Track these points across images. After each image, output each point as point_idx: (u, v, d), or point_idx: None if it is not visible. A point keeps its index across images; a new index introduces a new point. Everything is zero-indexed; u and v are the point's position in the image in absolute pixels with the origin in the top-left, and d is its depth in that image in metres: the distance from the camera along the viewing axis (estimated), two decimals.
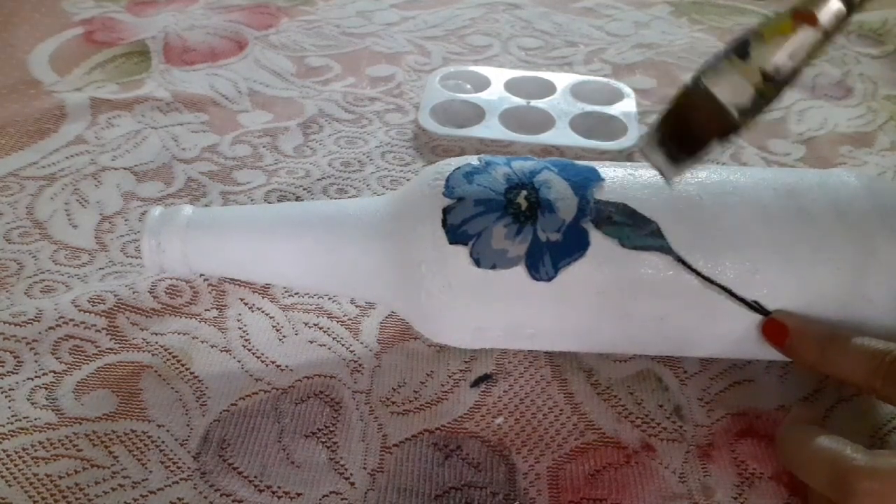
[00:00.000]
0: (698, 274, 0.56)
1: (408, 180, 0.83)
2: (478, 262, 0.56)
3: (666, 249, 0.56)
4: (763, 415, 0.62)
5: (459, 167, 0.60)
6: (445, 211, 0.57)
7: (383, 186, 0.84)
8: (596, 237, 0.56)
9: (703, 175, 0.60)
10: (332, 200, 0.76)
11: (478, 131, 0.91)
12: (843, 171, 0.62)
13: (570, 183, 0.58)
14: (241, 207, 0.68)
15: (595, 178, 0.59)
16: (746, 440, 0.60)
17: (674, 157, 0.52)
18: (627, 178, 0.59)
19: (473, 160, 0.61)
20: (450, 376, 0.64)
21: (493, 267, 0.56)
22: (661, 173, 0.53)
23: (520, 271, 0.56)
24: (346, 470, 0.58)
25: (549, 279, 0.56)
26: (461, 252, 0.56)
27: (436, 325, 0.62)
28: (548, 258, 0.56)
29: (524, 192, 0.57)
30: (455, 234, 0.56)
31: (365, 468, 0.58)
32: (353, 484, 0.57)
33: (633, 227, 0.56)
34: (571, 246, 0.56)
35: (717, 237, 0.56)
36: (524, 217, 0.56)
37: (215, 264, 0.63)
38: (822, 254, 0.56)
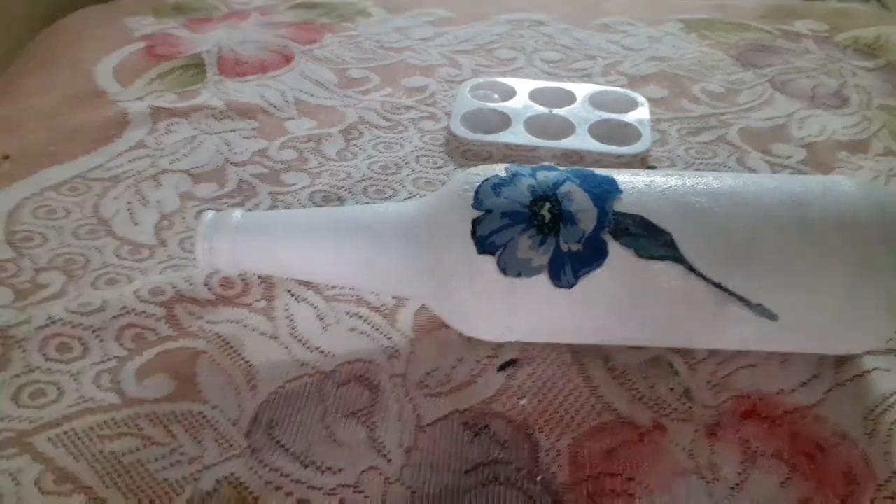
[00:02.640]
0: (708, 280, 0.56)
1: (440, 182, 0.83)
2: (504, 271, 0.56)
3: (678, 259, 0.56)
4: (766, 397, 0.61)
5: (488, 178, 0.59)
6: (475, 222, 0.57)
7: (418, 187, 0.84)
8: (614, 248, 0.56)
9: (715, 184, 0.59)
10: (369, 206, 0.75)
11: (504, 137, 0.91)
12: (844, 179, 0.61)
13: (590, 195, 0.58)
14: (286, 212, 0.68)
15: (614, 189, 0.58)
16: (750, 421, 0.60)
17: None
18: (644, 190, 0.59)
19: (500, 170, 0.61)
20: (478, 362, 0.64)
21: (519, 275, 0.56)
22: None
23: (543, 279, 0.56)
24: (383, 447, 0.58)
25: (570, 286, 0.56)
26: (489, 261, 0.56)
27: (466, 325, 0.62)
28: (569, 267, 0.56)
29: (548, 205, 0.57)
30: (484, 245, 0.56)
31: (401, 446, 0.58)
32: (389, 460, 0.57)
33: (649, 238, 0.56)
34: (591, 256, 0.56)
35: (727, 248, 0.56)
36: (548, 229, 0.56)
37: (262, 265, 0.63)
38: (823, 265, 0.56)
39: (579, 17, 1.25)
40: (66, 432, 0.58)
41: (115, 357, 0.63)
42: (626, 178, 0.60)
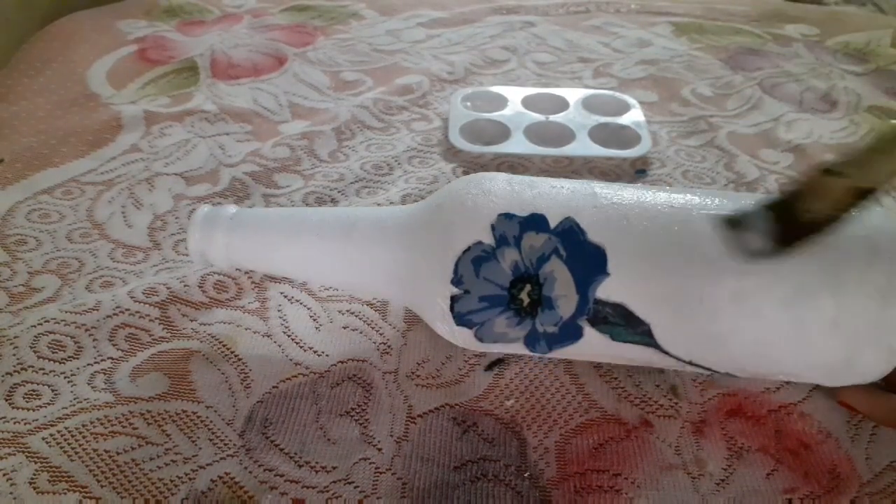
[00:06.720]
0: (681, 360, 0.57)
1: (433, 177, 0.85)
2: (481, 339, 0.58)
3: (653, 345, 0.56)
4: (751, 395, 0.63)
5: (469, 249, 0.56)
6: (453, 298, 0.57)
7: (409, 185, 0.85)
8: (589, 331, 0.56)
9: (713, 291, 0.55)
10: (363, 208, 0.75)
11: (507, 148, 0.91)
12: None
13: (574, 276, 0.55)
14: (280, 209, 0.68)
15: (601, 273, 0.55)
16: (736, 418, 0.61)
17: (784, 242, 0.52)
18: (633, 274, 0.55)
19: (485, 234, 0.57)
20: (466, 361, 0.65)
21: (494, 342, 0.58)
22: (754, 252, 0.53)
23: (518, 345, 0.58)
24: (373, 438, 0.59)
25: (544, 354, 0.59)
26: (466, 331, 0.58)
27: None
28: (543, 342, 0.58)
29: (528, 287, 0.56)
30: (461, 319, 0.57)
31: (392, 436, 0.59)
32: (380, 450, 0.58)
33: (626, 327, 0.56)
34: (566, 336, 0.57)
35: (708, 343, 0.56)
36: (525, 312, 0.56)
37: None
38: (810, 361, 0.56)
39: (570, 18, 1.27)
40: (60, 431, 0.58)
41: (110, 358, 0.64)
42: (620, 250, 0.56)
